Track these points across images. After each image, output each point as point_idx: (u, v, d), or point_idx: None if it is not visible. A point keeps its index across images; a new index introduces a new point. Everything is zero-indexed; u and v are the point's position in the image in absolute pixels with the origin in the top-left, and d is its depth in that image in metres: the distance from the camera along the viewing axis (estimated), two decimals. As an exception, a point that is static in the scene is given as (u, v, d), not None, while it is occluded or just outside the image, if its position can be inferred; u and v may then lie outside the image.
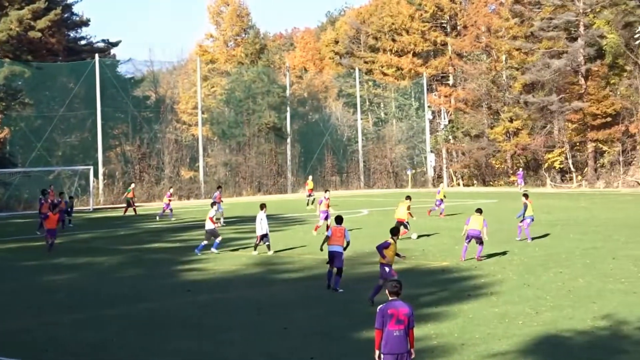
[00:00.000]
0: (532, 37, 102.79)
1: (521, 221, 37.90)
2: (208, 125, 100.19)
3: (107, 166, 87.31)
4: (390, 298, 13.63)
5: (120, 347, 18.94)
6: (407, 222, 40.68)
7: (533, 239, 37.37)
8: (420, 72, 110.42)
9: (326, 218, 43.33)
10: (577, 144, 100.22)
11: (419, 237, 40.21)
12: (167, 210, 57.83)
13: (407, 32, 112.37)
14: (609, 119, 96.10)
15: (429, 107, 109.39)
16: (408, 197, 42.39)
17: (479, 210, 32.60)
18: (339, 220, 26.80)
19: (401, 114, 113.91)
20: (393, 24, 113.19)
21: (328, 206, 45.04)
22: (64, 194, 59.93)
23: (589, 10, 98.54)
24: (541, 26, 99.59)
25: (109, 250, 38.92)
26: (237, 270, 31.16)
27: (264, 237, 34.95)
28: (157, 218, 57.46)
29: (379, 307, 13.50)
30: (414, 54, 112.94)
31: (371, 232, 43.51)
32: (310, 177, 74.21)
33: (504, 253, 33.43)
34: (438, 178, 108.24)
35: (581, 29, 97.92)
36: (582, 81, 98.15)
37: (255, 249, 35.29)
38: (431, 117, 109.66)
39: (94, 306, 24.37)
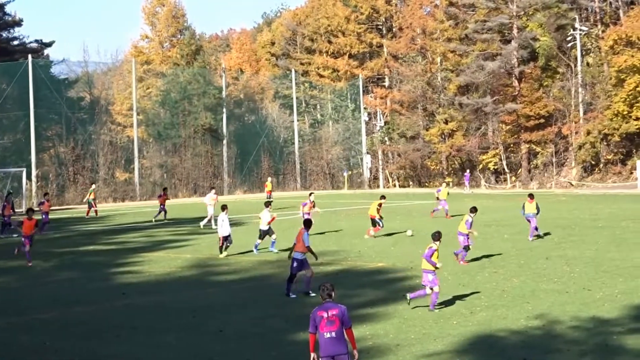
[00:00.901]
0: (467, 40, 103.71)
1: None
2: (143, 126, 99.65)
3: (41, 168, 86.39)
4: (322, 301, 13.62)
5: (55, 351, 18.76)
6: (380, 219, 40.88)
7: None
8: (356, 73, 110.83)
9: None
10: (511, 145, 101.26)
11: (376, 237, 40.49)
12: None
13: (343, 33, 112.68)
14: (542, 121, 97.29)
15: (365, 108, 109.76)
16: (382, 197, 42.74)
17: (472, 209, 32.08)
18: (305, 224, 25.92)
19: (337, 115, 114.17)
20: (329, 25, 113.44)
21: (311, 208, 43.83)
22: (48, 194, 58.54)
23: (522, 13, 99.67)
24: (475, 28, 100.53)
25: (44, 254, 38.40)
26: (173, 273, 31.02)
27: (227, 238, 34.58)
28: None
29: (312, 312, 13.51)
30: (350, 56, 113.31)
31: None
32: (270, 179, 73.54)
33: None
34: (374, 179, 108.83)
35: (514, 31, 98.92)
36: (515, 83, 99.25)
37: (221, 252, 34.72)
38: (367, 119, 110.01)
39: (28, 310, 24.11)
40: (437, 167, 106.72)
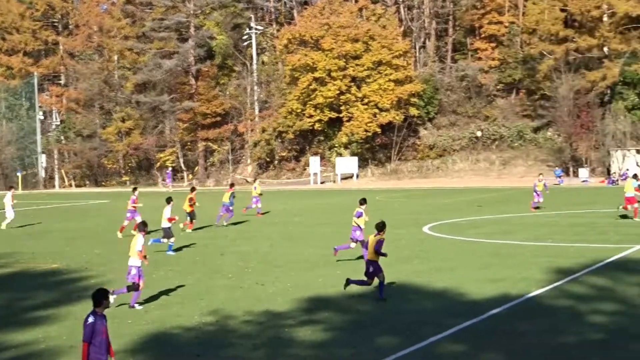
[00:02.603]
0: (144, 38, 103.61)
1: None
2: None
3: None
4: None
5: None
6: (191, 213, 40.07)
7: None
8: (31, 71, 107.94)
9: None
10: (188, 143, 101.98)
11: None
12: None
13: (18, 30, 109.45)
14: (218, 119, 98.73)
15: (40, 107, 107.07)
16: (193, 189, 41.77)
17: (361, 201, 29.94)
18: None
19: (11, 114, 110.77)
20: (3, 22, 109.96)
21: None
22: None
23: (200, 11, 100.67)
24: (153, 27, 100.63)
25: None
26: None
27: None
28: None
29: None
30: (25, 53, 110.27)
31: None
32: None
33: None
34: (50, 179, 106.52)
35: (192, 30, 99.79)
36: (192, 81, 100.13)
37: None
38: (42, 118, 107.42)
39: None
40: (114, 166, 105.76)
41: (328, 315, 20.30)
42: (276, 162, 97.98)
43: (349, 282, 22.85)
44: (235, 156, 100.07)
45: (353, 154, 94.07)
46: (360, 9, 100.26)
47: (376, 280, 22.41)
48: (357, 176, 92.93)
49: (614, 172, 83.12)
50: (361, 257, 27.92)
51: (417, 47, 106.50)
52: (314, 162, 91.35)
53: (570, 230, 37.60)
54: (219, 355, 16.94)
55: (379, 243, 22.38)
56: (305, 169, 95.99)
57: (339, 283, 24.50)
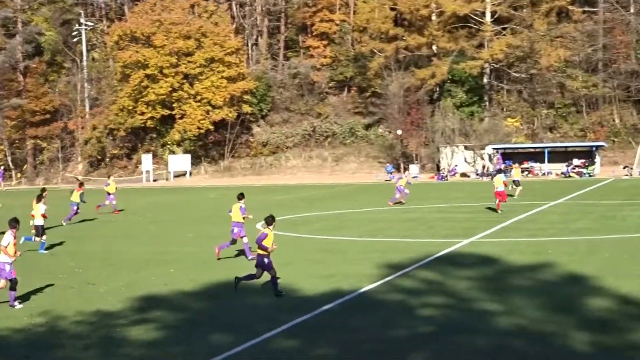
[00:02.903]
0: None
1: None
2: None
3: None
4: None
5: None
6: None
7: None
8: None
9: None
10: (17, 141, 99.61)
11: None
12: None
13: None
14: (48, 116, 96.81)
15: None
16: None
17: (239, 196, 29.34)
18: None
19: None
20: None
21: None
22: None
23: (27, 7, 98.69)
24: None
25: None
26: None
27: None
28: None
29: None
30: None
31: None
32: None
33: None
34: None
35: (19, 25, 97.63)
36: (20, 78, 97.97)
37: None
38: None
39: None
40: None
41: (161, 314, 20.15)
42: (107, 159, 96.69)
43: (238, 280, 22.53)
44: (65, 154, 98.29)
45: (186, 152, 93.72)
46: (192, 6, 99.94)
47: (266, 276, 22.41)
48: (190, 174, 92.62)
49: (444, 168, 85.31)
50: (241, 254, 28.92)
51: (250, 45, 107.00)
52: (146, 159, 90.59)
53: (400, 225, 38.38)
54: (48, 356, 16.62)
55: (261, 236, 22.16)
56: (137, 167, 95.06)
57: (172, 281, 24.41)
